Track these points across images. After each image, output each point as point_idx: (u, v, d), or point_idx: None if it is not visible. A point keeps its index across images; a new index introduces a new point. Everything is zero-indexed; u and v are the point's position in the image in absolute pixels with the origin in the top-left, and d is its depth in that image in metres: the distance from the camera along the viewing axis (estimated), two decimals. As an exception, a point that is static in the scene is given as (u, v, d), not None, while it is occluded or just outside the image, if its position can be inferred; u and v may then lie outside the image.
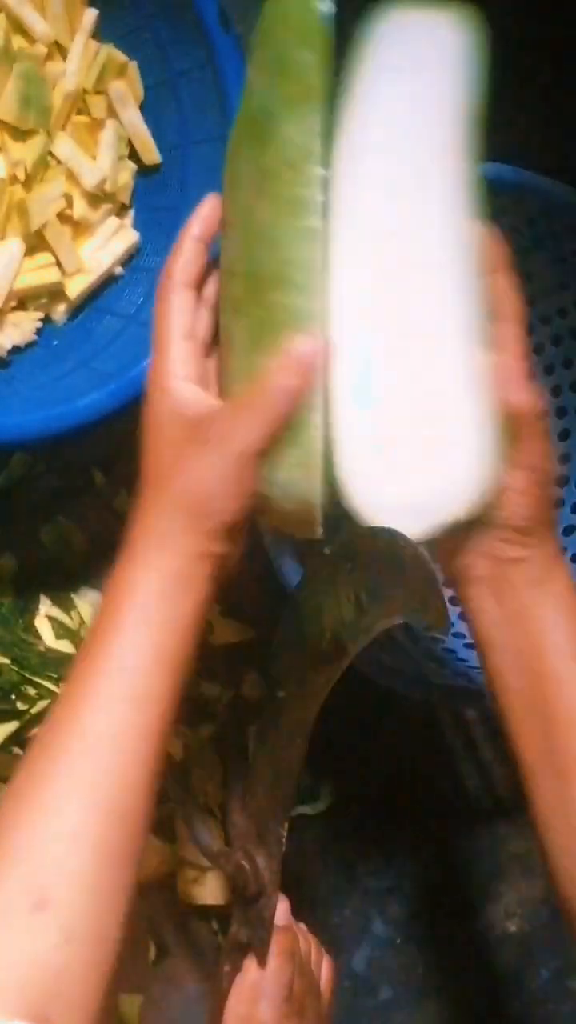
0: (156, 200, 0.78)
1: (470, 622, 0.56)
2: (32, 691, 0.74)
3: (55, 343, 0.77)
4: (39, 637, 0.79)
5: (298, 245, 0.50)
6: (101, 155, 0.75)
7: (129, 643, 0.50)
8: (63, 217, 0.74)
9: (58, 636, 0.79)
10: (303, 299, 0.50)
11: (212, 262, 0.56)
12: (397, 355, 0.52)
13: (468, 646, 0.80)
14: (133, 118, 0.76)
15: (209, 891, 0.79)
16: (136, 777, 0.49)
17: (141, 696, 0.50)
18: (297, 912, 0.71)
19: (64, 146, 0.74)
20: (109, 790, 0.47)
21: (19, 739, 0.76)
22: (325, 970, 0.72)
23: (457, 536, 0.53)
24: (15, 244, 0.73)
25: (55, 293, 0.76)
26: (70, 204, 0.74)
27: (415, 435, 0.51)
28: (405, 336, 0.52)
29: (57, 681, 0.74)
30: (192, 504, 0.51)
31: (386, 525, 0.51)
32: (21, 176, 0.72)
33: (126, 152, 0.77)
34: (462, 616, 0.84)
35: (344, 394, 0.52)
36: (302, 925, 0.71)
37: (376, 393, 0.51)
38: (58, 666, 0.76)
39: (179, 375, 0.52)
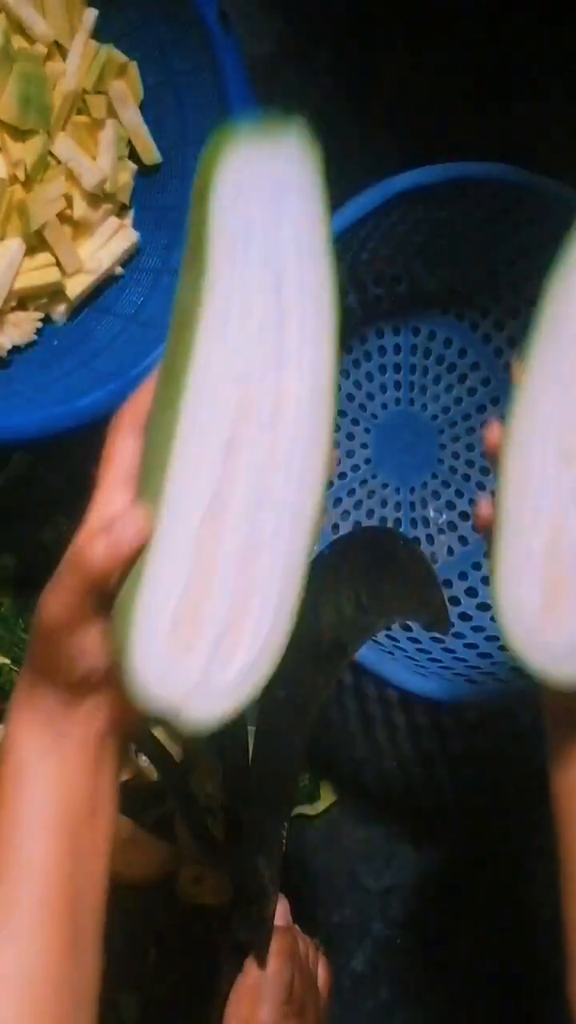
0: (156, 200, 0.78)
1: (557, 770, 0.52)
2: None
3: (55, 343, 0.77)
4: (39, 637, 0.79)
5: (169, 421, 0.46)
6: (101, 155, 0.75)
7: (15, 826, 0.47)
8: (63, 217, 0.74)
9: (58, 636, 0.79)
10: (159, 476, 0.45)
11: None
12: None
13: (468, 646, 0.80)
14: (133, 118, 0.76)
15: (209, 891, 0.79)
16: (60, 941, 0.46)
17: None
18: (297, 912, 0.71)
19: (64, 146, 0.74)
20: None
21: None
22: (322, 970, 0.72)
23: None
24: (15, 244, 0.73)
25: (55, 293, 0.76)
26: (70, 204, 0.74)
27: None
28: None
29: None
30: (41, 641, 0.47)
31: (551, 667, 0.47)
32: (21, 176, 0.72)
33: (126, 152, 0.77)
34: (462, 616, 0.85)
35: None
36: (295, 925, 0.71)
37: None
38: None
39: (92, 530, 0.48)
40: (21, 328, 0.75)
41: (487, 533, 0.49)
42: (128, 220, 0.79)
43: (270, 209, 0.47)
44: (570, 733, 0.49)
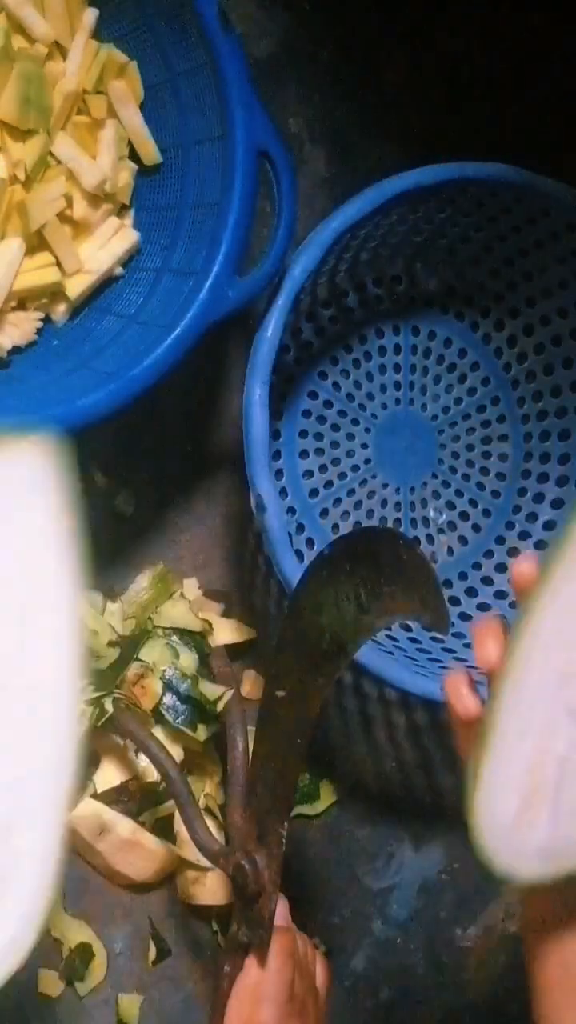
0: (156, 200, 0.78)
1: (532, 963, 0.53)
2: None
3: (55, 343, 0.77)
4: (39, 637, 0.79)
5: None
6: (101, 155, 0.75)
7: None
8: (63, 217, 0.74)
9: (58, 636, 0.79)
10: None
11: None
12: None
13: (468, 646, 0.80)
14: (133, 118, 0.76)
15: (209, 891, 0.79)
16: None
17: None
18: (297, 912, 0.71)
19: (64, 146, 0.74)
20: None
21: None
22: (320, 969, 0.72)
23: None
24: (15, 244, 0.73)
25: (55, 293, 0.76)
26: (70, 204, 0.74)
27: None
28: None
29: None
30: None
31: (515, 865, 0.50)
32: (21, 176, 0.72)
33: (126, 152, 0.77)
34: (462, 616, 0.85)
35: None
36: (292, 925, 0.71)
37: None
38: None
39: None
40: (21, 328, 0.75)
41: (477, 736, 0.50)
42: (128, 220, 0.79)
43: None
44: (543, 936, 0.51)
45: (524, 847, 0.49)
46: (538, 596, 0.49)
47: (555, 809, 0.49)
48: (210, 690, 0.77)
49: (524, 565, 0.51)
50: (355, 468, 0.86)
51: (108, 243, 0.77)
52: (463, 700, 0.52)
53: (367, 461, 0.86)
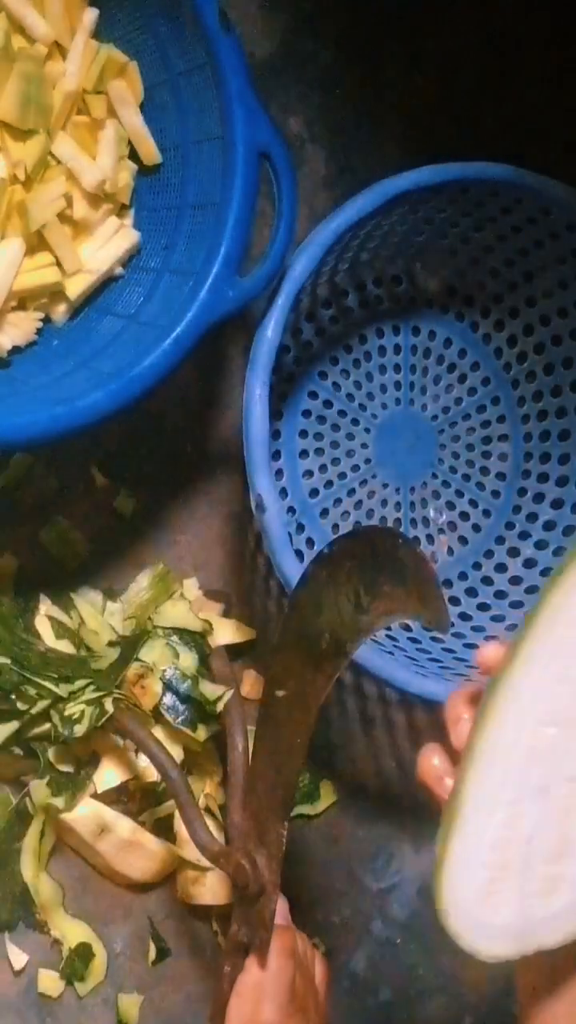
0: (156, 200, 0.78)
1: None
2: (32, 691, 0.74)
3: (55, 343, 0.77)
4: (39, 637, 0.79)
5: None
6: (101, 155, 0.75)
7: None
8: (63, 217, 0.74)
9: (58, 636, 0.79)
10: None
11: None
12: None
13: (468, 646, 0.80)
14: (133, 118, 0.76)
15: (209, 891, 0.79)
16: None
17: None
18: (297, 912, 0.71)
19: (64, 146, 0.74)
20: None
21: (19, 739, 0.76)
22: (320, 968, 0.72)
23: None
24: (15, 244, 0.73)
25: (55, 293, 0.76)
26: (70, 204, 0.74)
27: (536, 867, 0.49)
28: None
29: (57, 681, 0.74)
30: None
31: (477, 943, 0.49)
32: (21, 176, 0.72)
33: (126, 152, 0.77)
34: (462, 616, 0.85)
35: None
36: (292, 924, 0.71)
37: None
38: (58, 666, 0.76)
39: None
40: (21, 328, 0.75)
41: (445, 809, 0.50)
42: (128, 220, 0.79)
43: None
44: (535, 1001, 0.51)
45: (490, 925, 0.48)
46: (507, 674, 0.49)
47: (521, 888, 0.48)
48: (210, 690, 0.77)
49: (488, 650, 0.51)
50: (355, 468, 0.86)
51: (108, 243, 0.77)
52: (432, 773, 0.52)
53: (367, 461, 0.86)
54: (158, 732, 0.78)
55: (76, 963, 0.79)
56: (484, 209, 0.79)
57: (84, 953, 0.79)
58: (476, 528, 0.88)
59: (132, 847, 0.79)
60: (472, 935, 0.49)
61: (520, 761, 0.48)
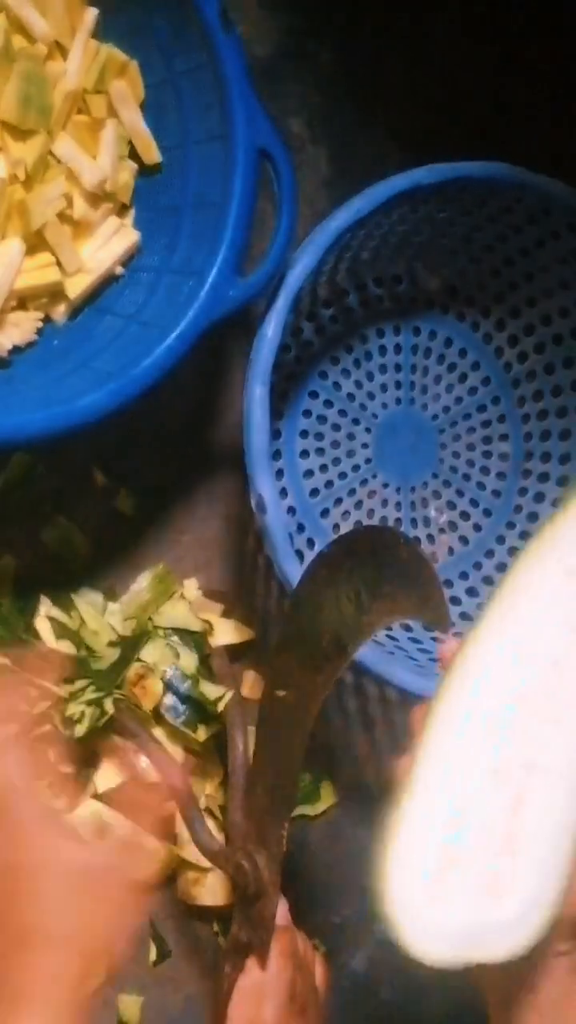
0: (156, 200, 0.78)
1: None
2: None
3: (55, 343, 0.77)
4: (39, 637, 0.79)
5: None
6: (101, 155, 0.75)
7: None
8: (63, 217, 0.74)
9: (58, 636, 0.79)
10: None
11: None
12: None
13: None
14: (133, 118, 0.76)
15: (209, 891, 0.79)
16: None
17: None
18: (297, 912, 0.71)
19: (64, 146, 0.74)
20: None
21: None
22: (319, 968, 0.72)
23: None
24: (15, 244, 0.73)
25: (55, 293, 0.76)
26: (70, 204, 0.74)
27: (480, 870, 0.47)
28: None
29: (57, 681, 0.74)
30: None
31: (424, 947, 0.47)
32: (21, 176, 0.72)
33: (126, 152, 0.77)
34: (463, 616, 0.85)
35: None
36: (292, 925, 0.71)
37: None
38: (58, 666, 0.76)
39: None
40: (21, 328, 0.75)
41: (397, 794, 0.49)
42: (128, 220, 0.79)
43: None
44: (504, 1013, 0.50)
45: (434, 926, 0.46)
46: (459, 667, 0.49)
47: (470, 885, 0.46)
48: (210, 690, 0.77)
49: (448, 646, 0.52)
50: (356, 468, 0.86)
51: (108, 243, 0.77)
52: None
53: (368, 461, 0.86)
54: (158, 732, 0.78)
55: (76, 963, 0.79)
56: (484, 209, 0.79)
57: (84, 953, 0.79)
58: (477, 528, 0.88)
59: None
60: (416, 937, 0.46)
61: (471, 743, 0.48)
